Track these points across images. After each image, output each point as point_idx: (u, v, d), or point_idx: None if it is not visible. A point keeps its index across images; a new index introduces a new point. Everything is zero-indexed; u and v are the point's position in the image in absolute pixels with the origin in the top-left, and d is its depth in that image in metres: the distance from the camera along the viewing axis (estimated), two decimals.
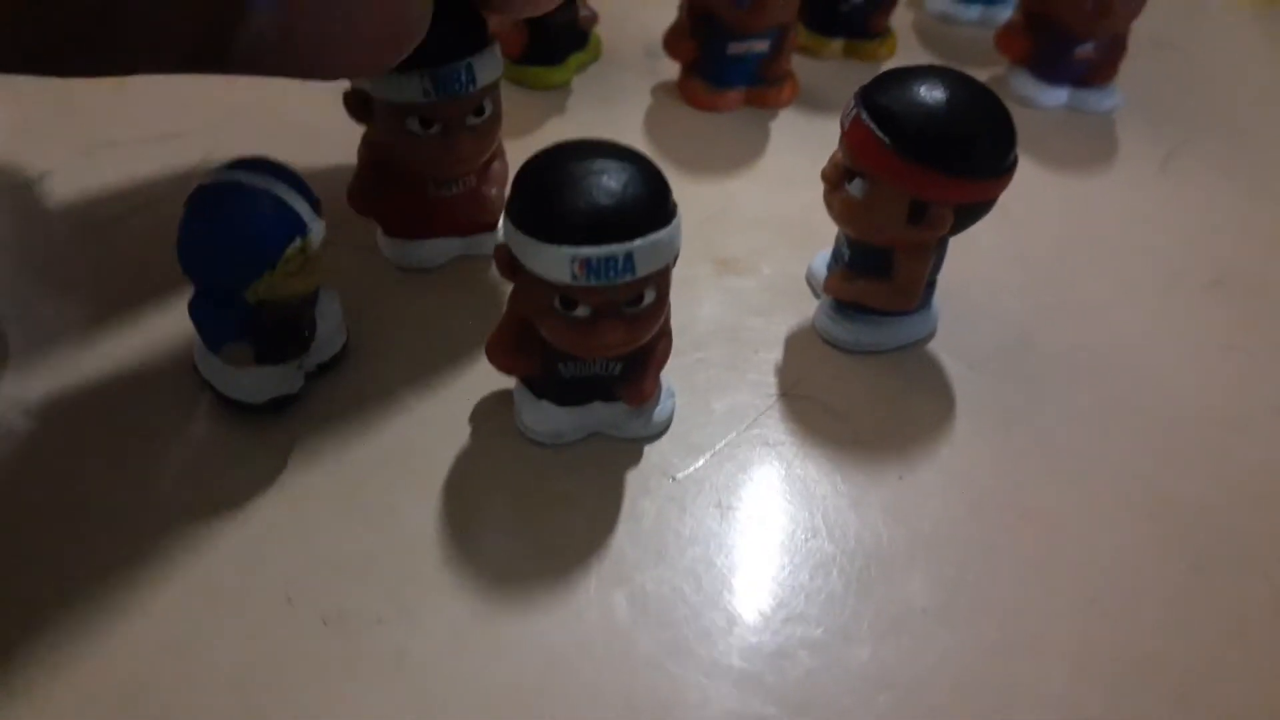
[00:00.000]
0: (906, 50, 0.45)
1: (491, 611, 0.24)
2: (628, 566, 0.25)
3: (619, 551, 0.25)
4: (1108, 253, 0.36)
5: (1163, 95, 0.44)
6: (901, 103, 0.27)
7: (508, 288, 0.26)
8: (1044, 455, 0.28)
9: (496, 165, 0.32)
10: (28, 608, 0.23)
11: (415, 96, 0.28)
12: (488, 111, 0.29)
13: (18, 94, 0.39)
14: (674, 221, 0.24)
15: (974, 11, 0.48)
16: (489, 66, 0.29)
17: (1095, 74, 0.42)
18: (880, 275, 0.29)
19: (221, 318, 0.25)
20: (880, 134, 0.27)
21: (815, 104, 0.42)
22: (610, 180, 0.23)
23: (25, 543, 0.24)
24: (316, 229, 0.25)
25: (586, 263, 0.23)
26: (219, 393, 0.27)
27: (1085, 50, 0.41)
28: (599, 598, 0.24)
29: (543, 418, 0.27)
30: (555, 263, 0.23)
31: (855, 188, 0.28)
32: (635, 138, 0.39)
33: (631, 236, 0.23)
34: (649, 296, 0.24)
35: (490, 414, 0.28)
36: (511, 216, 0.24)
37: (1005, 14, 0.47)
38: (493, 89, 0.29)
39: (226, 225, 0.24)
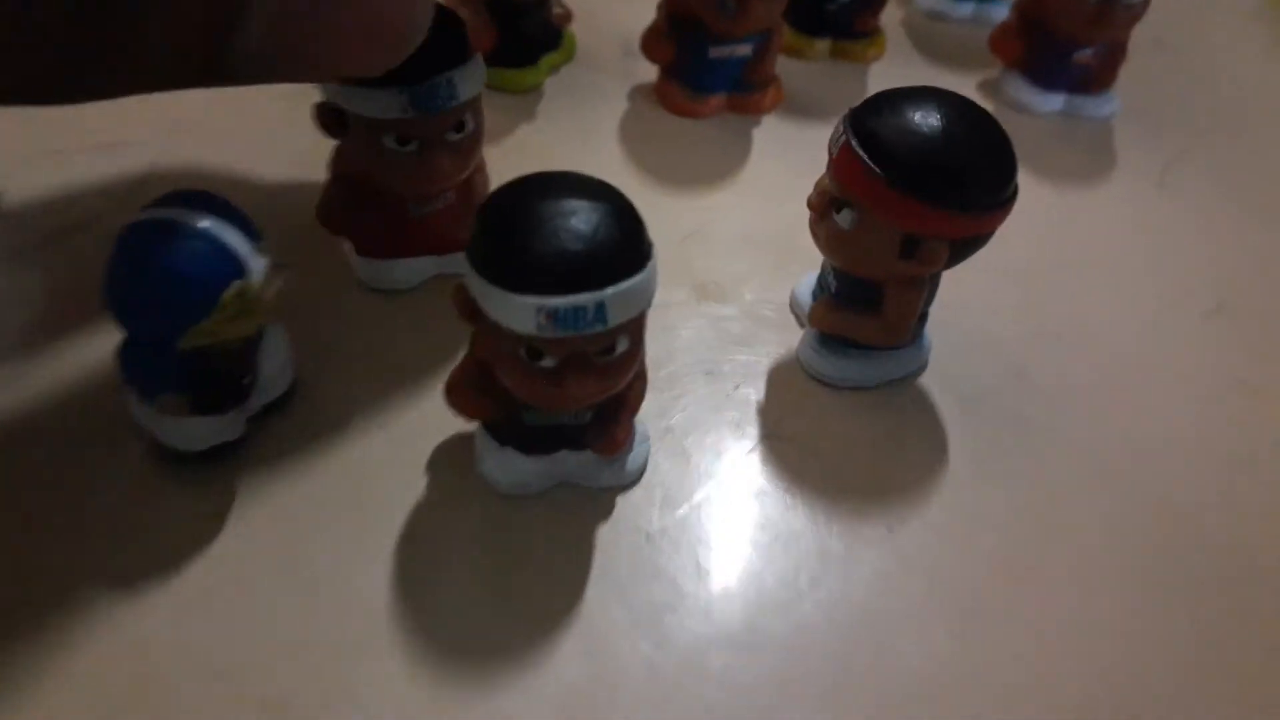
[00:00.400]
0: (896, 51, 0.43)
1: (451, 691, 0.22)
2: (598, 636, 0.23)
3: (589, 619, 0.23)
4: (1105, 274, 0.34)
5: (1160, 101, 0.42)
6: (894, 130, 0.25)
7: None
8: (1041, 505, 0.27)
9: (478, 179, 0.30)
10: None
11: (393, 112, 0.26)
12: (469, 127, 0.27)
13: None
14: (649, 265, 0.22)
15: (966, 9, 0.46)
16: (471, 80, 0.26)
17: (1093, 80, 0.40)
18: (869, 308, 0.28)
19: (153, 366, 0.23)
20: (871, 163, 0.25)
21: (800, 109, 0.40)
22: (579, 222, 0.21)
23: None
24: (257, 269, 0.23)
25: (553, 313, 0.21)
26: (153, 438, 0.25)
27: (1084, 55, 0.39)
28: (567, 673, 0.22)
29: (506, 467, 0.25)
30: (519, 312, 0.21)
31: (844, 218, 0.26)
32: (610, 145, 0.37)
33: (603, 285, 0.21)
34: (622, 345, 0.22)
35: (449, 461, 0.26)
36: (472, 260, 0.22)
37: (999, 11, 0.45)
38: (474, 103, 0.27)
39: (156, 270, 0.22)
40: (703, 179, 0.36)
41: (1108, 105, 0.41)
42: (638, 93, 0.40)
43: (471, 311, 0.23)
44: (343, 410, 0.27)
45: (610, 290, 0.21)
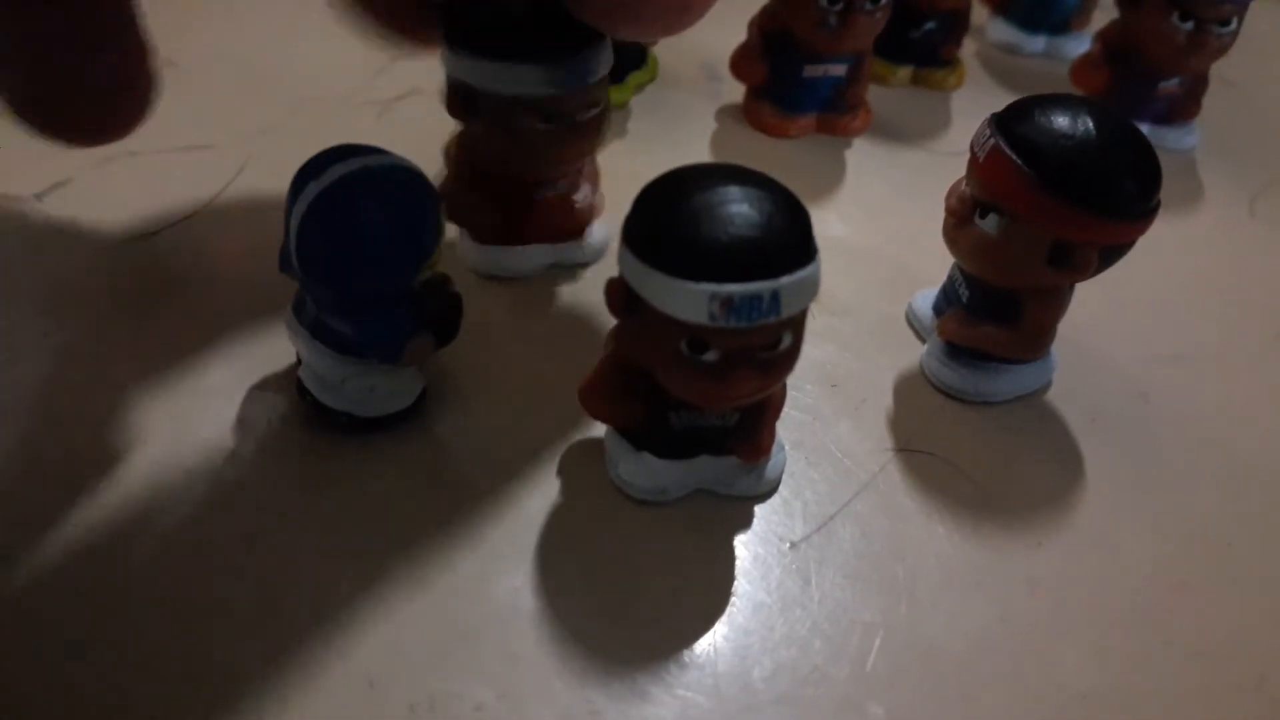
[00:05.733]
0: (974, 81, 0.43)
1: (604, 699, 0.21)
2: (753, 650, 0.22)
3: (739, 629, 0.22)
4: (1210, 299, 0.33)
5: (1237, 134, 0.42)
6: (1047, 134, 0.24)
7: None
8: (1184, 522, 0.26)
9: (588, 168, 0.30)
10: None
11: (542, 89, 0.26)
12: (601, 104, 0.27)
13: None
14: (818, 257, 0.21)
15: (1039, 43, 0.46)
16: (606, 58, 0.27)
17: (1178, 111, 0.40)
18: (1005, 320, 0.27)
19: (394, 318, 0.23)
20: (1024, 166, 0.24)
21: (887, 132, 0.39)
22: (752, 210, 0.21)
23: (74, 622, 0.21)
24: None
25: (729, 302, 0.20)
26: (336, 413, 0.24)
27: (1169, 86, 0.39)
28: (724, 684, 0.21)
29: (643, 471, 0.24)
30: (691, 301, 0.20)
31: (989, 224, 0.25)
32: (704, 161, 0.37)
33: (778, 273, 0.20)
34: (786, 340, 0.22)
35: (581, 464, 0.25)
36: (636, 249, 0.21)
37: (1071, 44, 0.45)
38: (604, 82, 0.27)
39: (400, 210, 0.22)
40: (801, 196, 0.35)
41: (1189, 137, 0.41)
42: (725, 112, 0.40)
43: (628, 305, 0.22)
44: (468, 412, 0.26)
45: (786, 280, 0.20)
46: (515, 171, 0.28)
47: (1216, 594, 0.24)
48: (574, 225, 0.30)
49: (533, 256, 0.30)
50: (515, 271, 0.30)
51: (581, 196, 0.30)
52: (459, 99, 0.27)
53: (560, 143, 0.27)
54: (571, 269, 0.31)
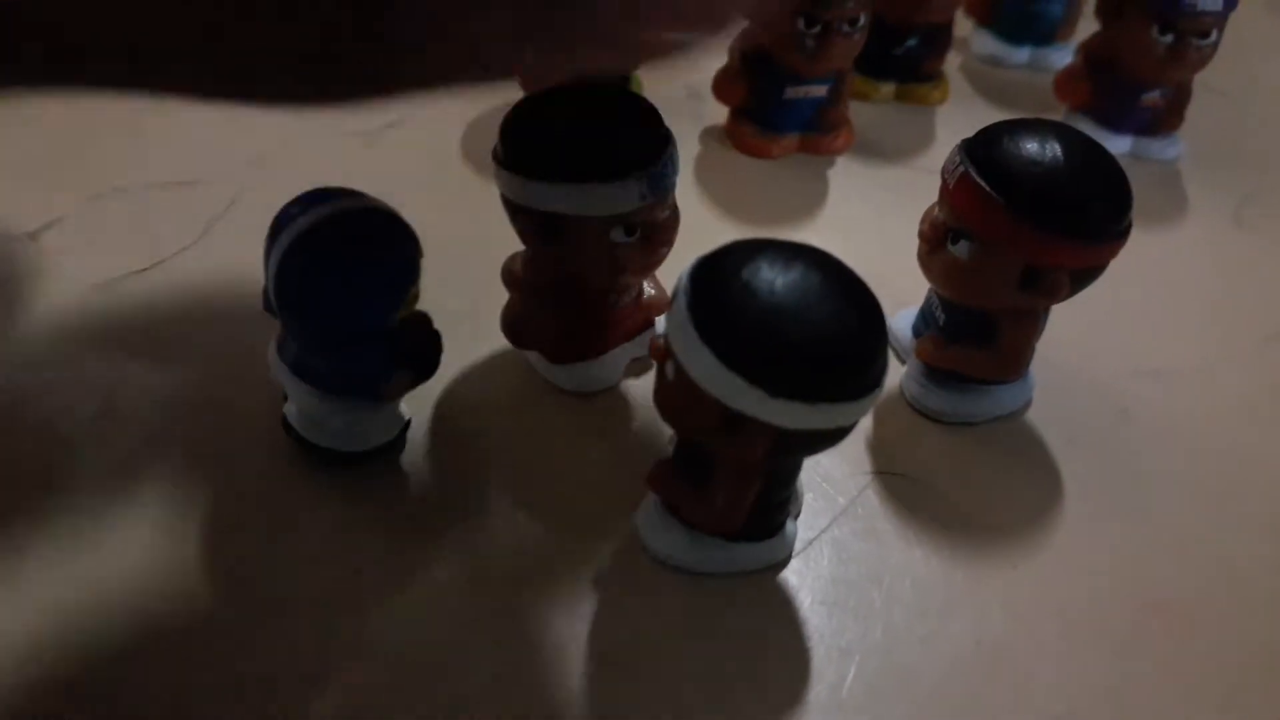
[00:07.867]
0: (958, 94, 0.44)
1: None
2: (730, 676, 0.22)
3: (717, 657, 0.22)
4: (1194, 310, 0.34)
5: (1221, 143, 0.42)
6: (1015, 160, 0.25)
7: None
8: (1160, 540, 0.26)
9: None
10: None
11: (631, 203, 0.24)
12: (673, 201, 0.26)
13: (19, 134, 0.36)
14: None
15: (1023, 54, 0.46)
16: (677, 154, 0.26)
17: (1161, 122, 0.40)
18: (981, 342, 0.27)
19: (373, 356, 0.24)
20: (993, 192, 0.25)
21: (870, 150, 0.40)
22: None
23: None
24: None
25: None
26: (319, 448, 0.25)
27: (1151, 97, 0.39)
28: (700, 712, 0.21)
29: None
30: None
31: (961, 249, 0.26)
32: (685, 184, 0.37)
33: None
34: None
35: (561, 488, 0.26)
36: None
37: (1055, 56, 0.45)
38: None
39: (375, 255, 0.22)
40: (781, 218, 0.36)
41: (1173, 147, 0.41)
42: (708, 134, 0.40)
43: None
44: (445, 447, 0.26)
45: None
46: (598, 286, 0.27)
47: (1191, 614, 0.24)
48: (648, 317, 0.29)
49: (619, 360, 0.29)
50: (605, 383, 0.28)
51: (654, 287, 0.29)
52: (543, 228, 0.25)
53: (647, 251, 0.26)
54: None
